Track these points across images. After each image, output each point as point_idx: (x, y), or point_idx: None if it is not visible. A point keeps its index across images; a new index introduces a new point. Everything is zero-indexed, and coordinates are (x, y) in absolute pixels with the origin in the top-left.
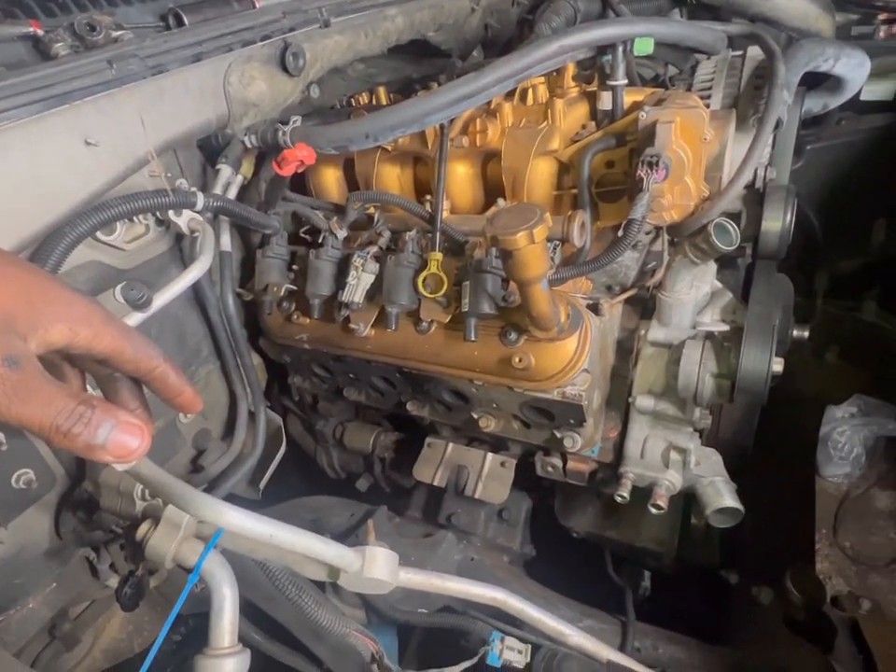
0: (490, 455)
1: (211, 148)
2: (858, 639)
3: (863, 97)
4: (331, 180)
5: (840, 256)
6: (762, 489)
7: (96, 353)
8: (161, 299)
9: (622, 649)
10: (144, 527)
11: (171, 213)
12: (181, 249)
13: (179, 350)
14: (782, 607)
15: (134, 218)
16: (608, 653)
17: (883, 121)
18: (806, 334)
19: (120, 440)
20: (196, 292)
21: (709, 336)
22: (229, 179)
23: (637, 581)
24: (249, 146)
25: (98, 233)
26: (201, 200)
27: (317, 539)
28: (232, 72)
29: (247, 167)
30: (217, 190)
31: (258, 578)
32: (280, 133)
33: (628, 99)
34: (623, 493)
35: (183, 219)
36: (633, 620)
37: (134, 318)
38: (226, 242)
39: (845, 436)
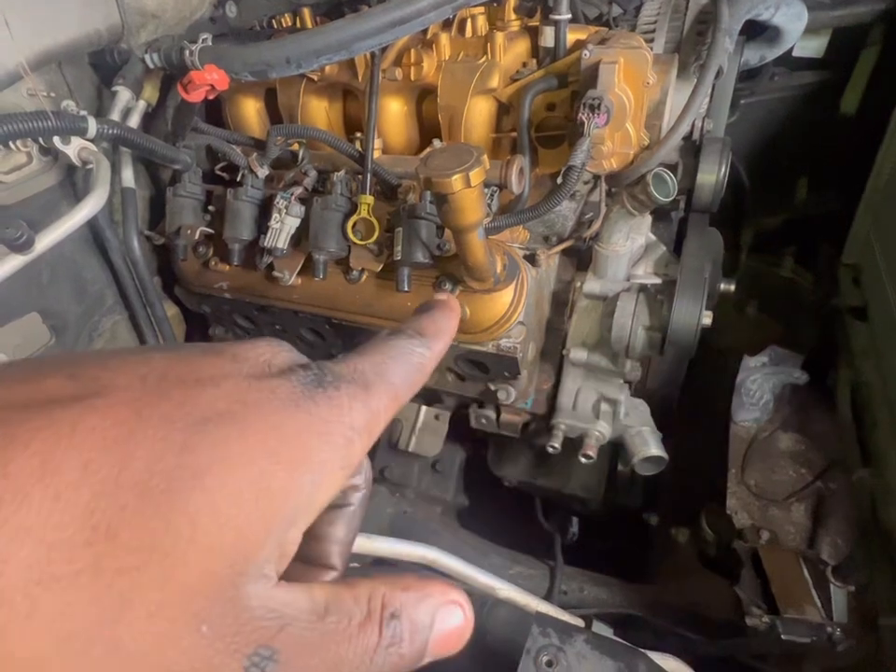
0: (424, 408)
1: (106, 67)
2: (758, 567)
3: (795, 53)
4: (251, 112)
5: (765, 212)
6: (682, 436)
7: None
8: (48, 239)
9: (549, 592)
10: None
11: (57, 140)
12: (74, 184)
13: (79, 299)
14: (697, 545)
15: (12, 145)
16: (536, 605)
17: (813, 78)
18: (733, 288)
19: None
20: (95, 233)
21: (643, 289)
22: (128, 104)
23: (566, 526)
24: (151, 66)
25: None
26: (93, 126)
27: None
28: None
29: (151, 92)
30: (115, 116)
31: None
32: (187, 53)
33: (571, 37)
34: (555, 444)
35: (72, 148)
36: (560, 564)
37: (15, 261)
38: (128, 177)
39: (756, 384)
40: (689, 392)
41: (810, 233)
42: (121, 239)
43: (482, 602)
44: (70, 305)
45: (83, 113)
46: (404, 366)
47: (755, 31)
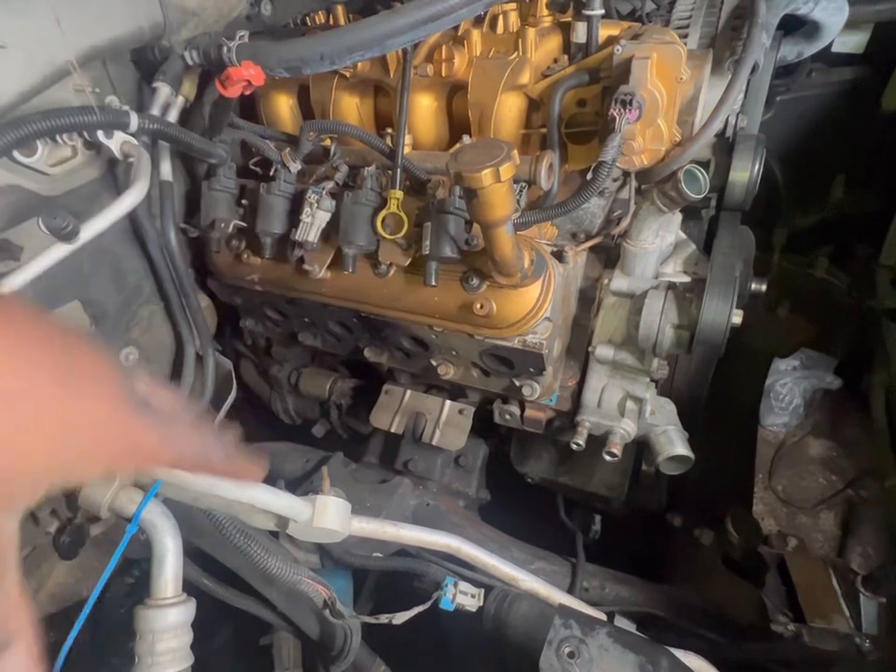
0: (448, 402)
1: (147, 64)
2: (784, 574)
3: (835, 49)
4: (284, 108)
5: (799, 211)
6: (707, 437)
7: None
8: (91, 229)
9: (571, 589)
10: None
11: (101, 134)
12: (115, 177)
13: (118, 288)
14: (721, 547)
15: (59, 139)
16: (559, 597)
17: (853, 75)
18: (764, 288)
19: None
20: (134, 225)
21: (671, 287)
22: (167, 100)
23: (588, 524)
24: (190, 62)
25: (16, 154)
26: (134, 121)
27: (264, 489)
28: None
29: (189, 88)
30: (155, 112)
31: (205, 525)
32: (224, 49)
33: (603, 33)
34: (580, 441)
35: (115, 142)
36: (582, 561)
37: (61, 250)
38: (166, 171)
39: (786, 388)
40: (717, 392)
41: (846, 233)
42: (159, 231)
43: (503, 594)
44: (109, 294)
45: (126, 108)
46: (200, 449)
47: (793, 25)
